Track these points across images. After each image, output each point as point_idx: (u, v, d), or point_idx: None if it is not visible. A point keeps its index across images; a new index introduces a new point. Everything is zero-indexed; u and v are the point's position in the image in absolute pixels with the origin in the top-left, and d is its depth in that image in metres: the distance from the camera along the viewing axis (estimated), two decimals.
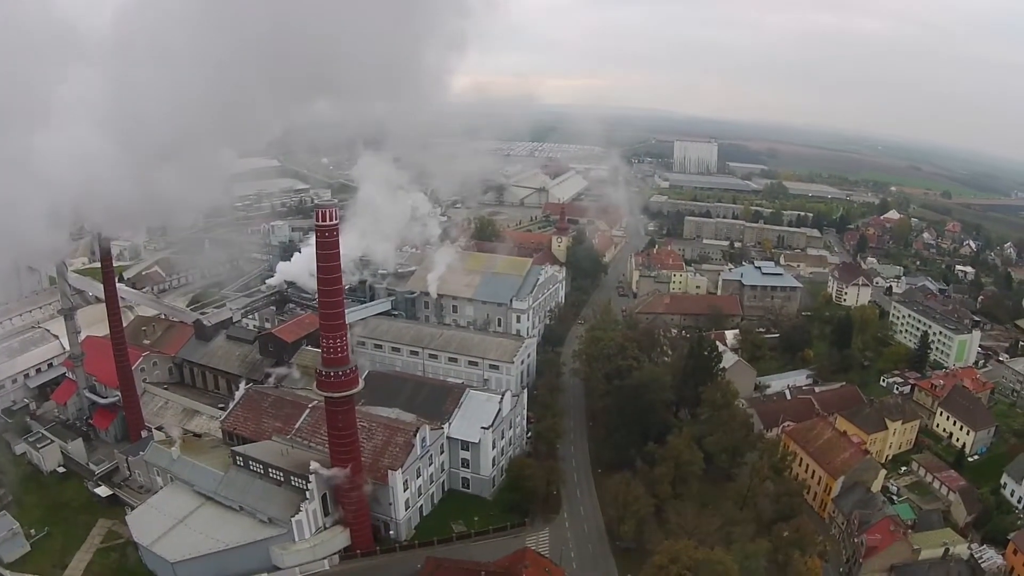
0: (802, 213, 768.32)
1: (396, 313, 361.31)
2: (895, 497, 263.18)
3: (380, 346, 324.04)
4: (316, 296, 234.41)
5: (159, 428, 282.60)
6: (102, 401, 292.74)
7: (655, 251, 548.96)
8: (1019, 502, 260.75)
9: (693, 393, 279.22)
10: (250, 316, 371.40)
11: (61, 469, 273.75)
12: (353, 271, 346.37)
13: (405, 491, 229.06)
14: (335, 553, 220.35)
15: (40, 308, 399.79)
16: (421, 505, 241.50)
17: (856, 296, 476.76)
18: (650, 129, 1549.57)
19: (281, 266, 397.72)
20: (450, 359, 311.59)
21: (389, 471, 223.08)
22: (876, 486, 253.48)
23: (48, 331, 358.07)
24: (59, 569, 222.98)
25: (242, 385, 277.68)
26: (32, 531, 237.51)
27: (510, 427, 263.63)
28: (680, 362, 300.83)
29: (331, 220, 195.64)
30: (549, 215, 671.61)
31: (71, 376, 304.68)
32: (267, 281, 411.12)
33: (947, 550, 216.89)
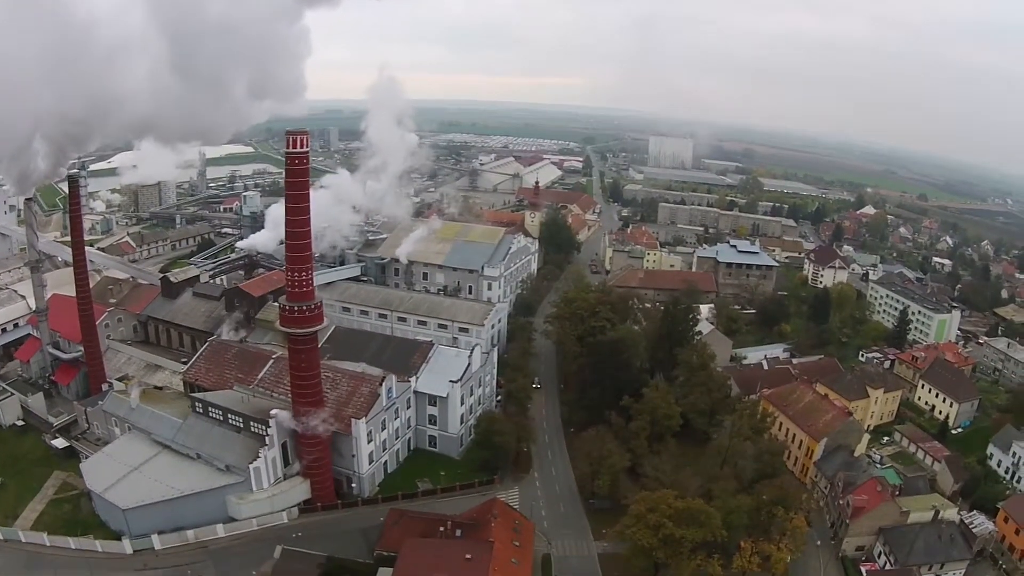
0: (777, 204, 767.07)
1: (366, 279, 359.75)
2: (879, 465, 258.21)
3: (348, 309, 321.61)
4: (283, 260, 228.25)
5: (120, 378, 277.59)
6: (65, 356, 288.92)
7: (629, 230, 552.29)
8: (1006, 472, 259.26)
9: (668, 356, 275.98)
10: (219, 279, 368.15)
11: (20, 423, 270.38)
12: (318, 240, 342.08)
13: (369, 443, 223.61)
14: (294, 506, 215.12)
15: (8, 272, 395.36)
16: (386, 461, 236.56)
17: (832, 277, 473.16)
18: (624, 128, 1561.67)
19: (252, 236, 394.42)
20: (419, 322, 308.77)
21: (353, 420, 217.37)
22: (860, 450, 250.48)
23: (15, 292, 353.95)
24: (11, 519, 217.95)
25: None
26: None
27: (479, 385, 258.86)
28: (654, 328, 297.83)
29: (302, 147, 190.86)
30: (523, 200, 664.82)
31: (35, 334, 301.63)
32: (236, 244, 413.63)
33: (937, 513, 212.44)
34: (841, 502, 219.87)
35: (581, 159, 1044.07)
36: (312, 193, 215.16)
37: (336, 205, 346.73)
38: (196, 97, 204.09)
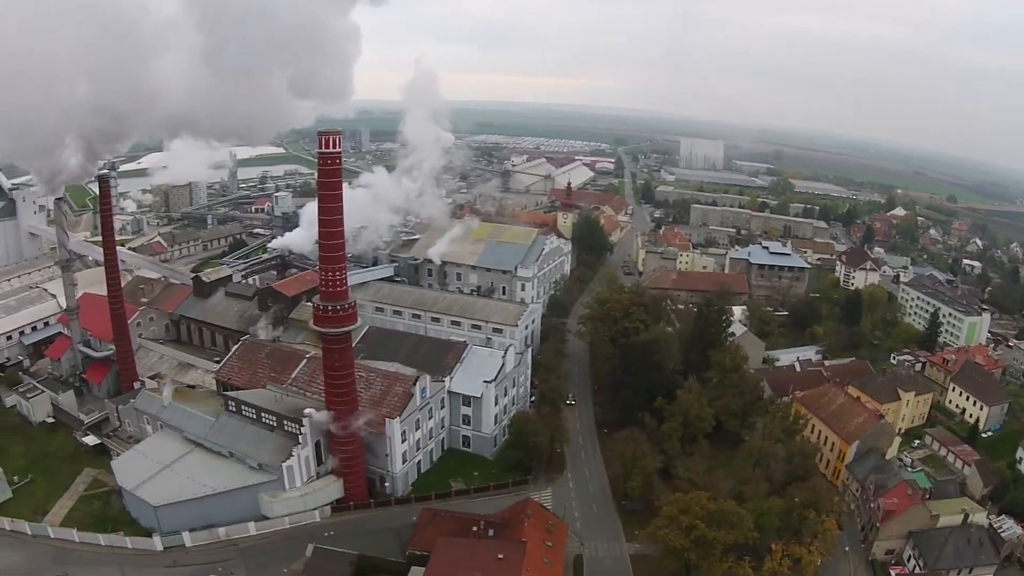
0: (808, 206, 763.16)
1: (399, 279, 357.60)
2: (909, 468, 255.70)
3: (382, 309, 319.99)
4: (317, 260, 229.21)
5: (152, 377, 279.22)
6: (96, 355, 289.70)
7: (662, 231, 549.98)
8: None
9: (701, 358, 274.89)
10: (251, 278, 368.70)
11: (50, 420, 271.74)
12: (353, 242, 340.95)
13: (403, 443, 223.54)
14: (327, 504, 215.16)
15: (39, 271, 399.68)
16: (419, 461, 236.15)
17: (864, 279, 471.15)
18: (654, 129, 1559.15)
19: (286, 235, 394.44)
20: (453, 322, 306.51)
21: (387, 419, 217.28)
22: (891, 452, 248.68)
23: (46, 291, 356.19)
24: (40, 515, 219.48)
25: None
26: (15, 478, 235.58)
27: (513, 385, 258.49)
28: (687, 330, 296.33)
29: (335, 147, 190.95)
30: (555, 201, 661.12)
31: (66, 332, 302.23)
32: (269, 244, 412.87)
33: (967, 517, 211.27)
34: (872, 505, 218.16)
35: (612, 160, 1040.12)
36: (348, 192, 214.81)
37: (372, 205, 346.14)
38: (235, 94, 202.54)
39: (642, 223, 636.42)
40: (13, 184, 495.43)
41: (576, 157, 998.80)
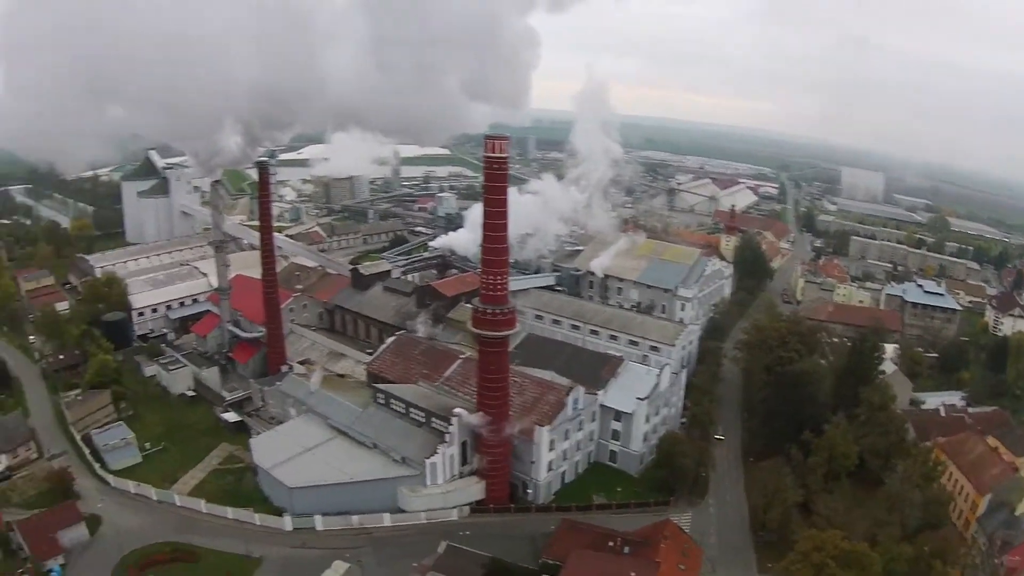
0: (963, 246, 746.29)
1: (560, 289, 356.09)
2: None
3: (541, 317, 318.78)
4: (479, 263, 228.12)
5: (302, 362, 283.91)
6: (244, 335, 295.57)
7: (821, 262, 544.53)
8: None
9: (851, 393, 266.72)
10: (411, 276, 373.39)
11: (191, 393, 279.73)
12: (519, 248, 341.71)
13: (550, 451, 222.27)
14: (466, 504, 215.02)
15: (190, 249, 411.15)
16: (564, 471, 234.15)
17: (1012, 326, 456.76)
18: (811, 155, 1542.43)
19: (449, 235, 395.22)
20: (611, 336, 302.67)
21: (536, 427, 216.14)
22: (1021, 508, 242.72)
23: (197, 268, 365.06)
24: (167, 483, 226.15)
25: None
26: (147, 445, 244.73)
27: (665, 405, 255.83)
28: (840, 364, 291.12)
29: (501, 152, 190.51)
30: (719, 223, 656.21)
31: (215, 310, 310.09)
32: (430, 243, 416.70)
33: None
34: (996, 561, 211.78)
35: (776, 185, 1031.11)
36: (515, 198, 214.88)
37: (539, 212, 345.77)
38: (406, 90, 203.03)
39: (802, 251, 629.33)
40: (167, 163, 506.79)
41: (740, 180, 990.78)
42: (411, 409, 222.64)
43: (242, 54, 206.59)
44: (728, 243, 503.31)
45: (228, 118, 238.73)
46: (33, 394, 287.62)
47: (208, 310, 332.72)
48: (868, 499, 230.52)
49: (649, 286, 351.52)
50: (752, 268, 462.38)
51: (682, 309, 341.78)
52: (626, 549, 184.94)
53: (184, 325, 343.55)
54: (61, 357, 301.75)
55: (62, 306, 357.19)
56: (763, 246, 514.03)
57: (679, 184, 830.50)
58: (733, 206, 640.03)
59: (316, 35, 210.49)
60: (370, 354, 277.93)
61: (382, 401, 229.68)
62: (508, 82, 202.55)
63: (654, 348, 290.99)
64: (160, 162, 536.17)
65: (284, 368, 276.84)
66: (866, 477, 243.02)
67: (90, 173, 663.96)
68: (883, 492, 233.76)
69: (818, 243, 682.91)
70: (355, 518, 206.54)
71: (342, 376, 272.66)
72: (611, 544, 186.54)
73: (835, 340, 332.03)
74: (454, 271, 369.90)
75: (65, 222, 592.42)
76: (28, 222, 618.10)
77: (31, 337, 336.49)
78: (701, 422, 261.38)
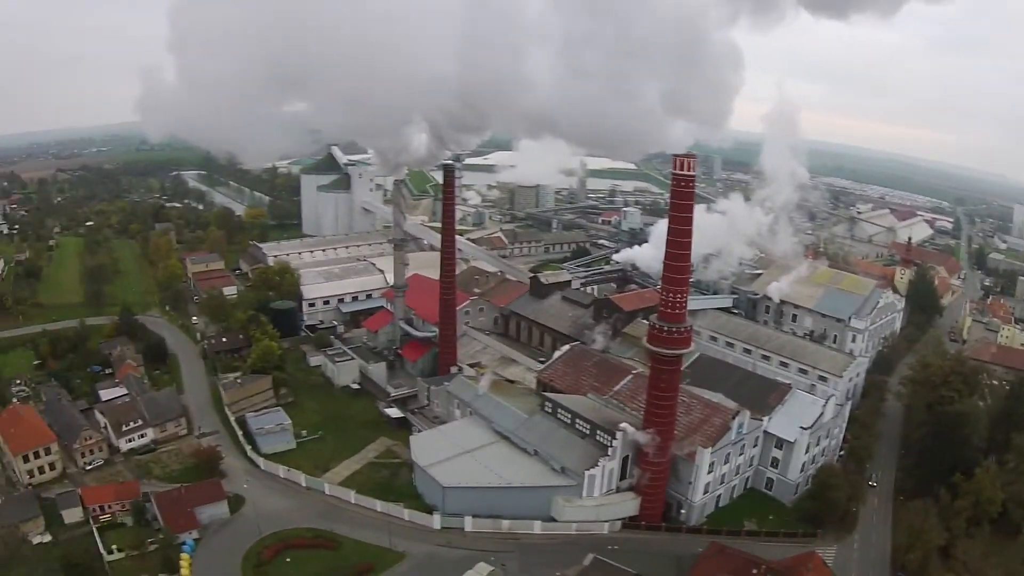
0: None
1: (736, 312, 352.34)
2: None
3: (715, 338, 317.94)
4: (659, 279, 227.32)
5: (473, 365, 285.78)
6: (416, 334, 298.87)
7: (989, 301, 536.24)
8: None
9: (1004, 438, 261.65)
10: (590, 287, 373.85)
11: (355, 386, 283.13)
12: (701, 269, 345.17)
13: (709, 473, 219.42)
14: (618, 519, 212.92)
15: (368, 245, 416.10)
16: (720, 494, 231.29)
17: None
18: (987, 191, 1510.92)
19: (633, 249, 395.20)
20: (781, 363, 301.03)
21: (699, 447, 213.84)
22: None
23: (373, 265, 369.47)
24: (319, 471, 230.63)
25: None
26: (304, 432, 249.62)
27: (826, 436, 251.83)
28: (997, 407, 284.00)
29: (689, 170, 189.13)
30: (894, 254, 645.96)
31: (388, 307, 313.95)
32: (613, 257, 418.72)
33: None
34: None
35: (951, 219, 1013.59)
36: (702, 217, 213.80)
37: (725, 233, 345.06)
38: (604, 99, 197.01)
39: (972, 289, 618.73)
40: (349, 160, 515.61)
41: (917, 212, 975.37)
42: (577, 420, 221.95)
43: (439, 51, 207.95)
44: (903, 276, 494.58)
45: (417, 118, 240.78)
46: (190, 373, 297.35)
47: (381, 306, 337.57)
48: (1004, 548, 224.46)
49: (823, 315, 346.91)
50: (923, 303, 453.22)
51: (853, 340, 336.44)
52: None
53: (355, 319, 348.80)
54: (224, 340, 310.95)
55: (230, 291, 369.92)
56: (935, 281, 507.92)
57: (859, 213, 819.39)
58: (910, 238, 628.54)
59: (519, 35, 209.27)
60: (542, 362, 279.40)
61: (549, 410, 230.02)
62: (710, 99, 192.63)
63: (822, 378, 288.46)
64: (342, 158, 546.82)
65: (453, 369, 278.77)
66: (1007, 526, 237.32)
67: (268, 164, 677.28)
68: (1021, 542, 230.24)
69: (987, 282, 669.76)
70: (505, 522, 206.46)
71: (511, 382, 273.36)
72: (754, 571, 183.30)
73: (995, 383, 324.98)
74: (633, 286, 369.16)
75: (239, 209, 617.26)
76: (200, 207, 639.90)
77: (194, 318, 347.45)
78: (859, 456, 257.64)
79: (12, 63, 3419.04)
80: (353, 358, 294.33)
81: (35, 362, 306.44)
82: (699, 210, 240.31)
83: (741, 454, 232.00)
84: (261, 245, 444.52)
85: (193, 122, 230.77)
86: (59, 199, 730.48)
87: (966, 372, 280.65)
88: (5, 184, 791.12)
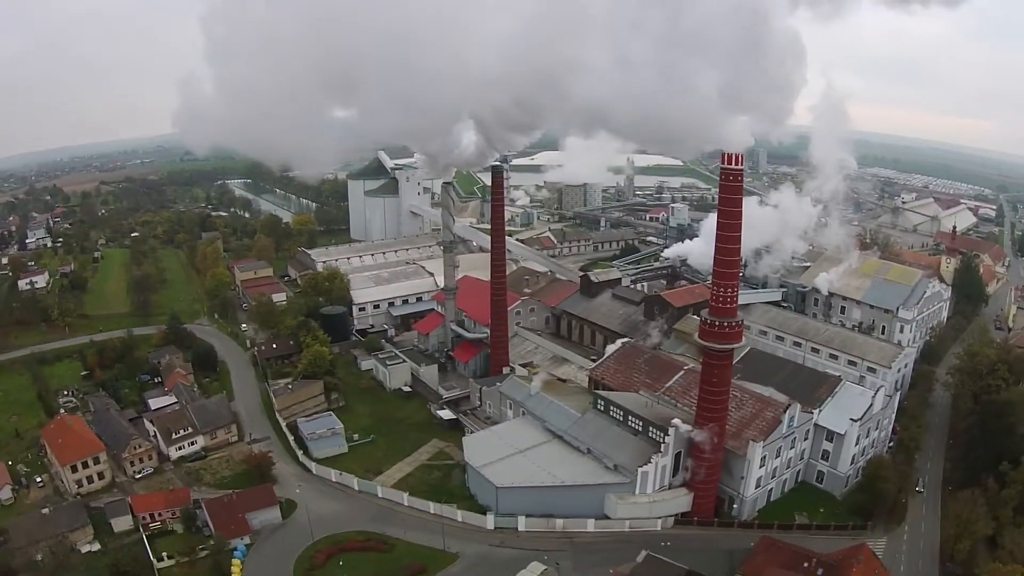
0: None
1: (785, 305, 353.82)
2: None
3: (765, 332, 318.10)
4: (709, 275, 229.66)
5: (525, 365, 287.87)
6: (467, 335, 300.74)
7: None
8: None
9: None
10: (640, 285, 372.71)
11: (406, 389, 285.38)
12: (753, 263, 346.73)
13: (760, 467, 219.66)
14: (671, 515, 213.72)
15: (417, 248, 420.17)
16: (771, 488, 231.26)
17: None
18: None
19: (682, 245, 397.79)
20: (831, 355, 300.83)
21: (750, 442, 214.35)
22: None
23: (423, 268, 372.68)
24: (372, 474, 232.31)
25: None
26: (355, 436, 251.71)
27: (876, 427, 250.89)
28: None
29: (737, 164, 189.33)
30: (939, 243, 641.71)
31: (439, 310, 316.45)
32: (662, 254, 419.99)
33: None
34: None
35: (994, 207, 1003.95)
36: (752, 210, 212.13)
37: (775, 226, 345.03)
38: (664, 95, 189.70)
39: (1016, 277, 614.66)
40: (396, 164, 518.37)
41: (961, 200, 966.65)
42: (629, 417, 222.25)
43: (490, 45, 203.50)
44: (948, 265, 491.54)
45: (466, 118, 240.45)
46: (240, 380, 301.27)
47: (432, 309, 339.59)
48: None
49: (872, 306, 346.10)
50: (969, 292, 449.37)
51: (901, 331, 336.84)
52: (820, 571, 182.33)
53: (405, 323, 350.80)
54: (274, 346, 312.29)
55: (279, 297, 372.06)
56: (980, 269, 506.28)
57: (903, 203, 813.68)
58: (954, 227, 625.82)
59: (577, 26, 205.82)
60: (594, 360, 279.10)
61: (601, 407, 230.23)
62: (771, 91, 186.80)
63: (871, 369, 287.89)
64: (389, 162, 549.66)
65: (506, 370, 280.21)
66: None
67: (328, 174, 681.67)
68: None
69: None
70: (558, 521, 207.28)
71: (564, 381, 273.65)
72: (806, 565, 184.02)
73: None
74: (683, 282, 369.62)
75: (286, 217, 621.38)
76: (247, 215, 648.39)
77: (243, 325, 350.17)
78: (907, 447, 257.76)
79: (55, 78, 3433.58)
80: (404, 361, 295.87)
81: (82, 373, 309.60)
82: (748, 203, 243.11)
83: (792, 448, 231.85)
84: (309, 251, 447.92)
85: (238, 133, 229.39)
86: (103, 211, 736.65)
87: (1012, 360, 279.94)
88: (48, 198, 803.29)
